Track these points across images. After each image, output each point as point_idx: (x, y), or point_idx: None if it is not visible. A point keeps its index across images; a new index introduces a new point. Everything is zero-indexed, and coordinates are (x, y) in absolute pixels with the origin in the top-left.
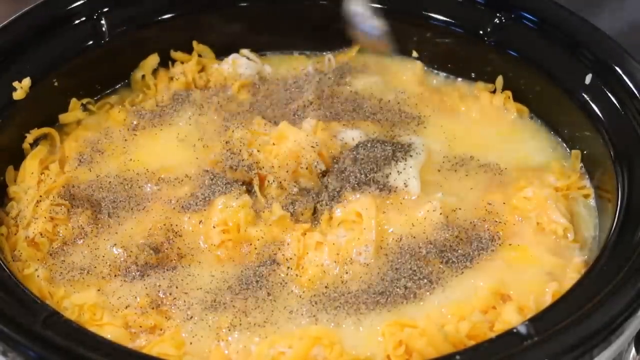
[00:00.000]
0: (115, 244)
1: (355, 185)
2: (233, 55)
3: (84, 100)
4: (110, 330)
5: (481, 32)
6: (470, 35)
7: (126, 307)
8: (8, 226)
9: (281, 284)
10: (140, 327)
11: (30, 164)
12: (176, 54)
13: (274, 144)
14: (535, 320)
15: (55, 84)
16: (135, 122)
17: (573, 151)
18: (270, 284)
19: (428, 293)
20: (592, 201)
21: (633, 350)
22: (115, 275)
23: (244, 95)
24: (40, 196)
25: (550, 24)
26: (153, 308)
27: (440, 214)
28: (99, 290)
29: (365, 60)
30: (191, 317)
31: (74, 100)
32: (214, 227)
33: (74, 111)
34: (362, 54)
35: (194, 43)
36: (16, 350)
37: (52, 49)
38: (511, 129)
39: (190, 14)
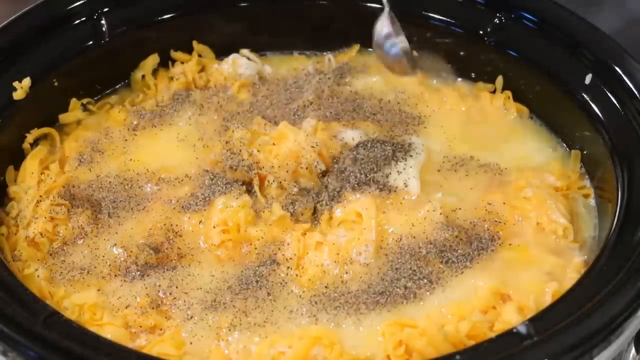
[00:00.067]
0: (115, 244)
1: (355, 185)
2: (233, 55)
3: (84, 100)
4: (110, 330)
5: (481, 32)
6: (470, 35)
7: (126, 307)
8: (8, 226)
9: (281, 284)
10: (140, 327)
11: (30, 164)
12: (176, 54)
13: (274, 144)
14: (535, 320)
15: (55, 84)
16: (135, 122)
17: (573, 151)
18: (270, 284)
19: (428, 293)
20: (592, 201)
21: (633, 350)
22: (115, 275)
23: (244, 95)
24: (41, 196)
25: (550, 24)
26: (153, 308)
27: (440, 214)
28: (99, 290)
29: (365, 60)
30: (191, 317)
31: (74, 100)
32: (214, 227)
33: (74, 111)
34: (362, 54)
35: (194, 43)
36: (16, 350)
37: (52, 49)
38: (511, 129)
39: (190, 14)
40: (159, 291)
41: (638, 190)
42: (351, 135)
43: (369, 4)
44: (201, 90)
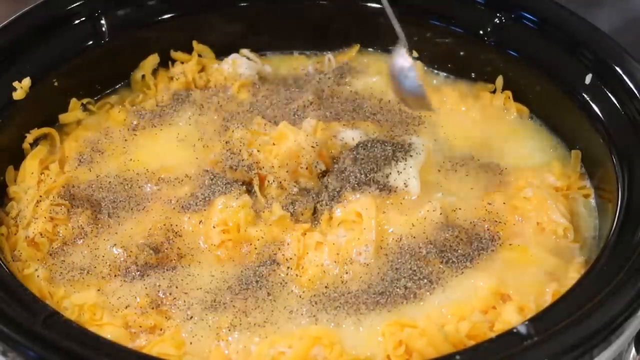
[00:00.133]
0: (115, 244)
1: (355, 185)
2: (233, 55)
3: (84, 100)
4: (110, 330)
5: (481, 32)
6: (470, 35)
7: (126, 307)
8: (8, 226)
9: (281, 284)
10: (140, 327)
11: (30, 164)
12: (176, 54)
13: (274, 144)
14: (535, 320)
15: (55, 84)
16: (135, 122)
17: (573, 151)
18: (270, 284)
19: (428, 293)
20: (592, 201)
21: (633, 350)
22: (115, 275)
23: (244, 95)
24: (40, 196)
25: (550, 24)
26: (153, 308)
27: (440, 214)
28: (99, 290)
29: (365, 60)
30: (191, 317)
31: (74, 100)
32: (214, 227)
33: (74, 111)
34: (362, 54)
35: (194, 43)
36: (16, 350)
37: (52, 49)
38: (511, 129)
39: (190, 14)
40: (158, 291)
41: (638, 190)
42: (351, 135)
43: (369, 4)
44: (201, 90)
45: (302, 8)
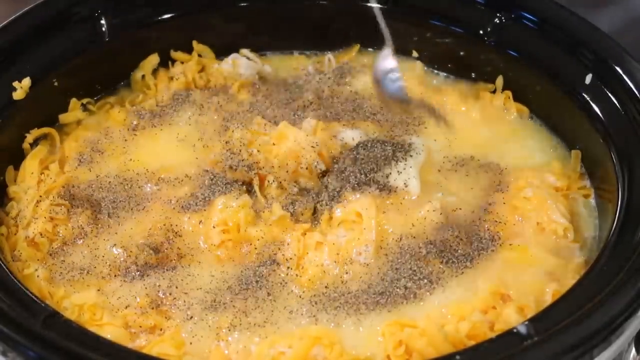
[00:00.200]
0: (115, 244)
1: (355, 185)
2: (233, 55)
3: (84, 100)
4: (110, 330)
5: (481, 32)
6: (470, 35)
7: (126, 307)
8: (8, 226)
9: (281, 284)
10: (140, 327)
11: (30, 164)
12: (176, 54)
13: (274, 144)
14: (535, 320)
15: (55, 84)
16: (135, 122)
17: (573, 151)
18: (270, 284)
19: (428, 293)
20: (592, 201)
21: (633, 350)
22: (115, 275)
23: (244, 95)
24: (40, 196)
25: (550, 24)
26: (153, 308)
27: (441, 214)
28: (99, 290)
29: (365, 60)
30: (191, 317)
31: (74, 100)
32: (214, 227)
33: (74, 111)
34: (362, 54)
35: (194, 43)
36: (16, 350)
37: (52, 49)
38: (511, 129)
39: (190, 14)
40: (158, 291)
41: (638, 190)
42: (351, 135)
43: (369, 4)
44: (201, 90)
45: (302, 8)
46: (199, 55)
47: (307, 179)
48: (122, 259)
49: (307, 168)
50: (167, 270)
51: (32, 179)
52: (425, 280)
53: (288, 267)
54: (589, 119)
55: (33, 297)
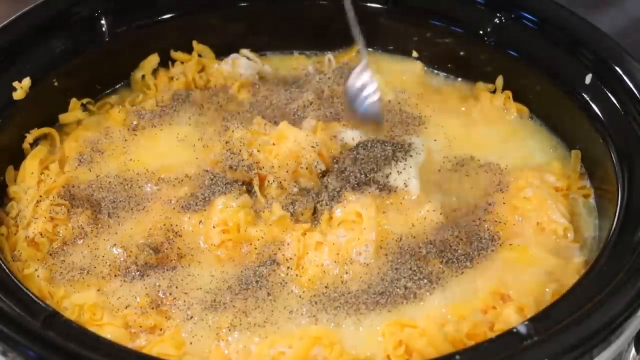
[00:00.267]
0: (115, 244)
1: (355, 185)
2: (233, 55)
3: (84, 100)
4: (110, 330)
5: (481, 32)
6: (470, 35)
7: (126, 307)
8: (8, 226)
9: (281, 284)
10: (140, 327)
11: (30, 164)
12: (176, 54)
13: (274, 144)
14: (535, 320)
15: (55, 84)
16: (135, 122)
17: (573, 151)
18: (270, 284)
19: (428, 293)
20: (592, 201)
21: (633, 350)
22: (115, 275)
23: (244, 95)
24: (40, 196)
25: (550, 24)
26: (153, 308)
27: (441, 214)
28: (99, 290)
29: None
30: (191, 317)
31: (74, 100)
32: (214, 227)
33: (74, 111)
34: None
35: (194, 43)
36: (16, 350)
37: (52, 49)
38: (511, 129)
39: (190, 14)
40: (158, 291)
41: (638, 190)
42: (351, 135)
43: (369, 4)
44: (201, 90)
45: (302, 8)
46: (199, 55)
47: (307, 179)
48: (122, 259)
49: (307, 168)
50: (167, 270)
51: (32, 179)
52: (425, 280)
53: (288, 267)
54: (589, 119)
55: (33, 297)
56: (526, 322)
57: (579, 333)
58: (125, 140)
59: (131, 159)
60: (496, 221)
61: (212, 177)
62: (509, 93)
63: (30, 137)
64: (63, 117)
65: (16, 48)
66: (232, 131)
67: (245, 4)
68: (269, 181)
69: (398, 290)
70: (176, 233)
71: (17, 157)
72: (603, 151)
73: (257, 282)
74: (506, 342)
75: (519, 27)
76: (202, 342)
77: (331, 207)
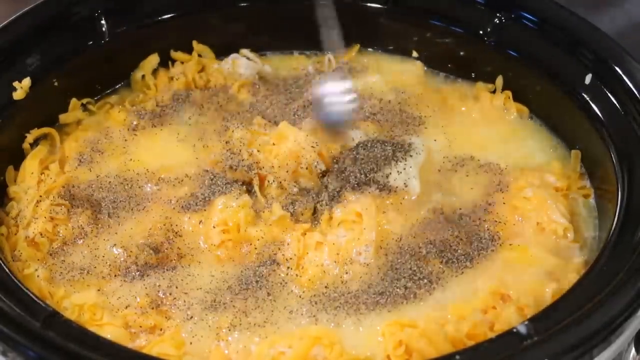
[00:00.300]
0: (115, 244)
1: (355, 185)
2: (233, 55)
3: (84, 100)
4: (110, 330)
5: (481, 32)
6: (470, 35)
7: (126, 307)
8: (8, 226)
9: (281, 284)
10: (140, 327)
11: (30, 164)
12: (176, 54)
13: (274, 144)
14: (535, 320)
15: (55, 84)
16: (135, 122)
17: (573, 151)
18: (270, 284)
19: (428, 293)
20: (592, 201)
21: (633, 350)
22: (115, 275)
23: (244, 95)
24: (40, 196)
25: (550, 24)
26: (153, 308)
27: (441, 214)
28: (99, 290)
29: (365, 60)
30: (191, 317)
31: (74, 100)
32: (214, 227)
33: (74, 111)
34: (362, 54)
35: (194, 43)
36: (16, 350)
37: (52, 49)
38: (511, 129)
39: (190, 14)
40: (158, 291)
41: (638, 190)
42: (351, 136)
43: (369, 4)
44: (201, 90)
45: (302, 8)
46: (199, 55)
47: (307, 179)
48: (122, 259)
49: (307, 168)
50: (167, 270)
51: (32, 179)
52: (425, 280)
53: (288, 267)
54: (589, 119)
55: (33, 297)
56: (526, 322)
57: (579, 333)
58: (125, 140)
59: (131, 159)
60: (496, 221)
61: (212, 177)
62: (509, 93)
63: (30, 137)
64: (63, 117)
65: (16, 48)
66: (232, 131)
67: (245, 4)
68: (269, 181)
69: (398, 290)
70: (176, 233)
71: (17, 157)
72: (603, 151)
73: (257, 282)
74: (506, 342)
75: (519, 27)
76: (202, 342)
77: (331, 207)
